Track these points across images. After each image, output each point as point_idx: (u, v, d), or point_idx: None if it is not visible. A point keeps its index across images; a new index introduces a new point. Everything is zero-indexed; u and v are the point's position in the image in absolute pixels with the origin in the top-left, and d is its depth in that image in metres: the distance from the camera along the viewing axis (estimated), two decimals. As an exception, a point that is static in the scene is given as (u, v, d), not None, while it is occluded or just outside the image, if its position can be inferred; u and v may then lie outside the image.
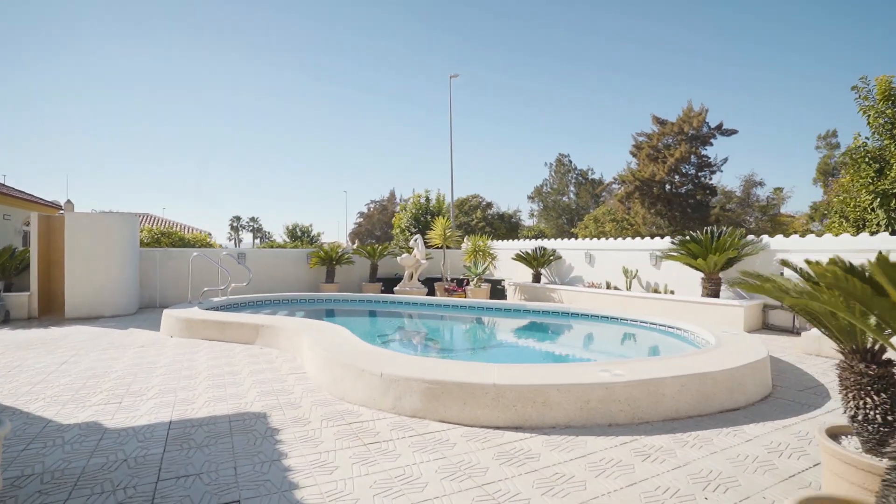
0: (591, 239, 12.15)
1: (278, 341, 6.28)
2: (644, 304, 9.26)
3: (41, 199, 18.10)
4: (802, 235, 8.77)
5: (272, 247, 21.08)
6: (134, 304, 10.02)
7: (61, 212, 16.88)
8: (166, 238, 12.98)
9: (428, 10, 57.60)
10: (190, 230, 21.62)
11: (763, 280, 2.93)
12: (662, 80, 56.19)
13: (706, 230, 8.90)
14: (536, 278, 12.38)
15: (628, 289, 10.39)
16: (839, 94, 48.94)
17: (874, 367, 2.42)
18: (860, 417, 2.40)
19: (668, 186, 32.51)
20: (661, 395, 3.88)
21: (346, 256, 12.60)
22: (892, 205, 8.31)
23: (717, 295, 8.61)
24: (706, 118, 32.03)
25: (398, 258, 11.99)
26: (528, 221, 49.52)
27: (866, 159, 8.89)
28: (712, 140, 32.26)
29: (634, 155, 35.32)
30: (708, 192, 32.28)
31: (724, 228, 8.81)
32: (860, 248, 7.29)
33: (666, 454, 3.19)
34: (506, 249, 14.08)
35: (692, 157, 31.82)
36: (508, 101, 69.15)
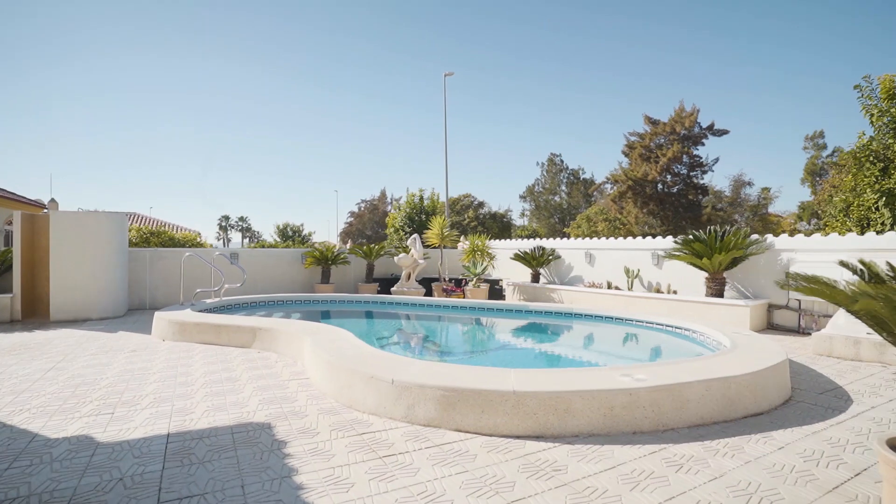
0: (590, 238, 12.02)
1: (277, 345, 6.03)
2: (647, 305, 9.15)
3: (24, 197, 17.55)
4: (792, 234, 8.69)
5: (263, 246, 20.70)
6: (123, 305, 9.67)
7: (45, 211, 16.38)
8: (156, 238, 12.61)
9: (418, 10, 57.33)
10: (180, 230, 21.17)
11: (815, 282, 2.75)
12: (654, 80, 56.55)
13: (710, 229, 8.80)
14: (535, 278, 12.23)
15: (630, 289, 10.27)
16: (827, 94, 49.56)
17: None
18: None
19: (660, 186, 32.64)
20: (685, 400, 3.72)
21: (342, 256, 12.34)
22: None
23: (721, 295, 8.51)
24: (698, 118, 32.22)
25: (395, 258, 11.76)
26: (518, 221, 49.51)
27: (871, 158, 8.85)
28: (704, 140, 32.47)
29: (626, 155, 35.41)
30: (699, 191, 32.47)
31: (728, 228, 8.72)
32: (867, 248, 7.23)
33: (699, 464, 3.02)
34: (504, 249, 13.91)
35: (684, 156, 31.98)
36: (499, 101, 69.16)
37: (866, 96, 8.98)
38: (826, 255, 7.62)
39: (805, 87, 49.65)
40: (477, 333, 8.60)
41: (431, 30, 61.46)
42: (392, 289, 11.64)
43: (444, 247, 13.03)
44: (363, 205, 57.72)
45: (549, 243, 12.70)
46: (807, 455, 3.17)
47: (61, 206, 21.19)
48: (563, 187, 48.28)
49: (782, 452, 3.21)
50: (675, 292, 9.56)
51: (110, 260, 9.29)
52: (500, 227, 43.55)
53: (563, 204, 47.79)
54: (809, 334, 7.64)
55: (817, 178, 42.31)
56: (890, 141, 8.65)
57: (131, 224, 17.55)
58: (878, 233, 8.62)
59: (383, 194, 58.16)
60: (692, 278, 9.34)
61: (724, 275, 8.65)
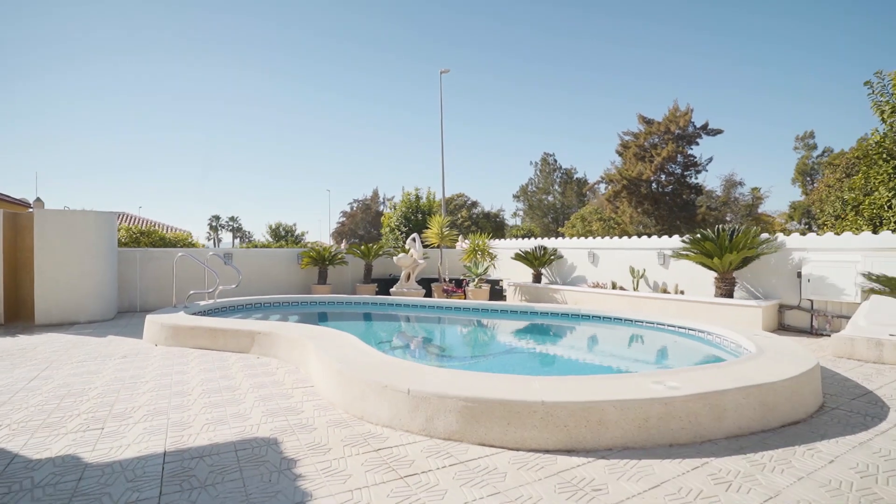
0: (593, 238, 11.81)
1: (277, 350, 5.72)
2: (655, 305, 8.94)
3: (8, 196, 16.99)
4: (787, 234, 8.50)
5: (257, 246, 20.27)
6: (112, 308, 9.27)
7: (31, 210, 15.85)
8: (146, 237, 12.18)
9: (410, 10, 56.99)
10: (170, 229, 20.67)
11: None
12: (646, 79, 56.70)
13: (718, 228, 8.61)
14: (537, 278, 12.00)
15: (636, 289, 10.07)
16: (818, 94, 50.03)
17: None
18: None
19: (654, 185, 32.63)
20: (722, 409, 3.48)
21: (340, 256, 12.01)
22: None
23: (730, 295, 8.33)
24: (692, 118, 32.25)
25: (394, 258, 11.46)
26: (510, 221, 49.39)
27: (883, 155, 8.72)
28: (698, 140, 32.51)
29: (621, 154, 35.40)
30: (693, 191, 32.51)
31: (736, 227, 8.54)
32: (883, 247, 7.07)
33: (749, 481, 2.78)
34: (505, 249, 13.67)
35: (678, 156, 31.99)
36: (491, 101, 69.00)
37: (878, 93, 8.85)
38: (840, 254, 7.44)
39: (795, 86, 50.11)
40: (483, 336, 8.33)
41: (423, 30, 61.21)
42: (391, 290, 11.34)
43: (444, 246, 12.76)
44: (355, 204, 57.26)
45: (550, 243, 12.47)
46: (861, 469, 2.94)
47: (48, 206, 20.61)
48: (557, 187, 48.24)
49: (834, 467, 2.98)
50: (682, 292, 9.37)
51: (98, 260, 8.90)
52: (493, 226, 43.39)
53: (557, 203, 47.73)
54: (822, 335, 7.49)
55: (808, 178, 42.69)
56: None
57: (120, 223, 17.05)
58: (893, 231, 8.46)
59: (375, 194, 57.77)
60: (700, 278, 9.15)
61: (734, 275, 8.46)
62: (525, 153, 78.93)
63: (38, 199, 21.84)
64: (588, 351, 7.20)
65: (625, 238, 10.99)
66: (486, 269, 11.41)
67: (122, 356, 5.82)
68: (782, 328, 8.01)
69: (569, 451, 3.19)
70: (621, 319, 7.87)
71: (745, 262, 8.23)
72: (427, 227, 16.38)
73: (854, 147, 30.15)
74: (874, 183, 9.05)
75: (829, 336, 7.29)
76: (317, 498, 2.54)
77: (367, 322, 9.28)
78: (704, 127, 32.26)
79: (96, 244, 8.88)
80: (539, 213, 47.71)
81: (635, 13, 51.86)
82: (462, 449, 3.21)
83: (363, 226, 54.63)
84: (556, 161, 49.05)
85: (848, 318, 7.27)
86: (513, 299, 11.94)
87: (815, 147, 43.29)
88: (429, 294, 11.84)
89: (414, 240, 11.51)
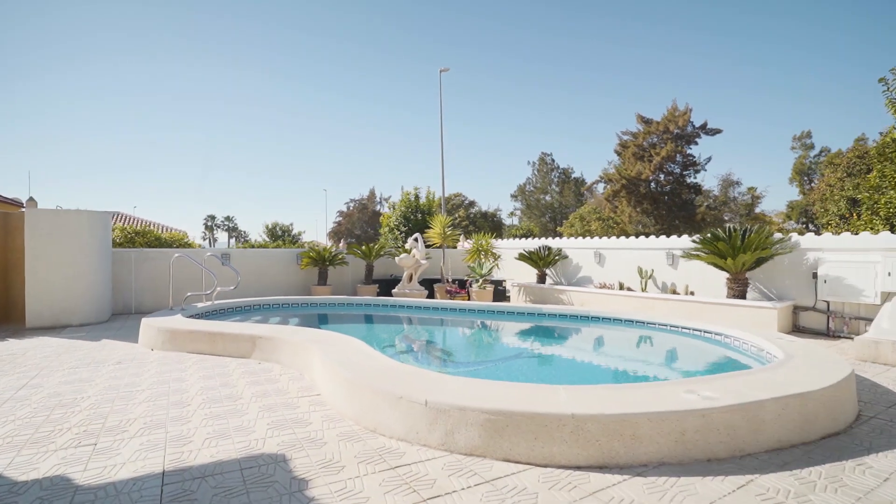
0: (599, 237, 11.60)
1: (280, 355, 5.46)
2: (665, 307, 8.73)
3: (-2, 195, 16.62)
4: (786, 234, 8.28)
5: (253, 246, 19.96)
6: (106, 310, 8.97)
7: (23, 209, 15.48)
8: (141, 237, 11.87)
9: (407, 10, 56.71)
10: (166, 229, 20.32)
11: None
12: (643, 79, 56.63)
13: (729, 228, 8.41)
14: (541, 279, 11.77)
15: (644, 290, 9.85)
16: (814, 94, 50.11)
17: None
18: None
19: (653, 185, 32.50)
20: (761, 420, 3.26)
21: (340, 257, 11.74)
22: None
23: (743, 296, 8.12)
24: (691, 117, 32.13)
25: (396, 258, 11.20)
26: (507, 220, 49.20)
27: (899, 154, 8.55)
28: (697, 139, 32.41)
29: (619, 154, 35.25)
30: (692, 191, 32.40)
31: (749, 226, 8.34)
32: (903, 247, 6.88)
33: (803, 503, 2.55)
34: (508, 249, 13.43)
35: (677, 155, 31.87)
36: (489, 101, 68.78)
37: (893, 90, 8.67)
38: (858, 254, 7.24)
39: (794, 86, 50.15)
40: (493, 339, 8.08)
41: (421, 30, 60.98)
42: (393, 291, 11.08)
43: (446, 246, 12.52)
44: (352, 204, 56.90)
45: (555, 243, 12.26)
46: (920, 488, 2.72)
47: (44, 206, 20.23)
48: (555, 186, 48.08)
49: (891, 486, 2.76)
50: (692, 293, 9.17)
51: (92, 261, 8.60)
52: (491, 226, 43.19)
53: (555, 203, 47.58)
54: (840, 337, 7.30)
55: (805, 178, 42.69)
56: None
57: (115, 223, 16.71)
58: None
59: (372, 193, 57.43)
60: (711, 279, 8.95)
61: (746, 275, 8.26)
62: (523, 153, 78.82)
63: (30, 199, 21.41)
64: (604, 355, 6.95)
65: (632, 238, 10.79)
66: (491, 269, 11.17)
67: (117, 362, 5.54)
68: (797, 330, 7.82)
69: (601, 468, 2.96)
70: (633, 321, 7.64)
71: (759, 262, 8.04)
72: (428, 227, 16.14)
73: (851, 147, 30.16)
74: (890, 182, 8.86)
75: (847, 338, 7.13)
76: (334, 526, 2.29)
77: (371, 324, 9.02)
78: (703, 126, 32.16)
79: (90, 244, 8.58)
80: (537, 213, 47.55)
81: (635, 13, 51.83)
82: (486, 466, 2.97)
83: (360, 225, 54.31)
84: (553, 161, 48.90)
85: (867, 320, 7.08)
86: (517, 300, 11.71)
87: (812, 147, 43.28)
88: (431, 295, 11.59)
89: (416, 239, 11.26)
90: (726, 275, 8.44)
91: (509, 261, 13.29)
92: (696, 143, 32.31)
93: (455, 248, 14.01)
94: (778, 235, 8.18)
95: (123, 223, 19.77)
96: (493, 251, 11.80)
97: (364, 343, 4.96)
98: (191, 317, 7.43)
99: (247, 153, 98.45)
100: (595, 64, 58.83)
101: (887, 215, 8.92)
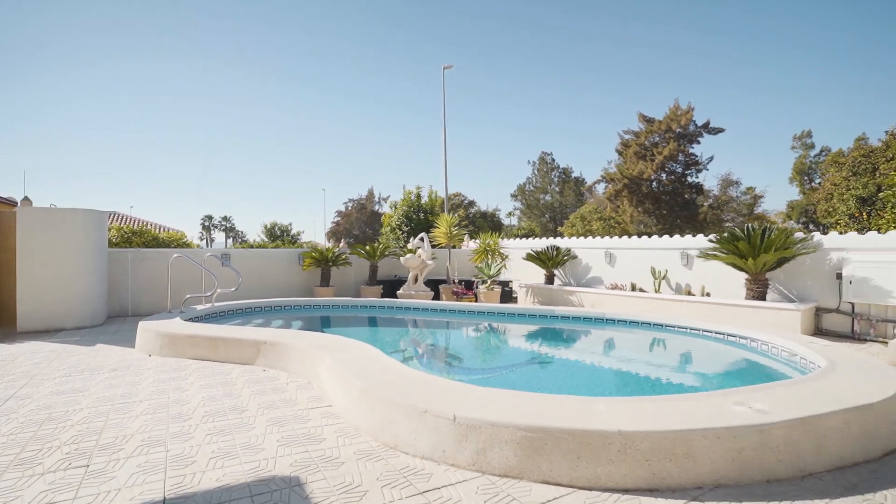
0: (610, 237, 11.32)
1: (286, 362, 5.14)
2: (681, 308, 8.44)
3: (-9, 194, 16.22)
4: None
5: (252, 247, 19.61)
6: (102, 313, 8.63)
7: (16, 208, 15.10)
8: (138, 237, 11.52)
9: (406, 10, 56.41)
10: (163, 229, 19.95)
11: None
12: (646, 80, 56.46)
13: (748, 227, 8.13)
14: (550, 279, 11.48)
15: (657, 290, 9.57)
16: (814, 93, 50.01)
17: None
18: None
19: (655, 185, 32.27)
20: (822, 436, 2.97)
21: (344, 257, 11.42)
22: None
23: (763, 297, 7.85)
24: (693, 116, 31.91)
25: (401, 259, 10.89)
26: (505, 220, 48.91)
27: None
28: (699, 138, 32.19)
29: (621, 153, 35.01)
30: (694, 190, 32.18)
31: (768, 225, 8.07)
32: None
33: (888, 534, 2.26)
34: (515, 249, 13.13)
35: (679, 155, 31.64)
36: (488, 100, 68.50)
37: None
38: (886, 254, 6.97)
39: (794, 86, 50.04)
40: (509, 344, 7.74)
41: (420, 30, 60.65)
42: (398, 292, 10.77)
43: (451, 246, 12.22)
44: (351, 204, 56.55)
45: (563, 242, 11.97)
46: None
47: (37, 205, 19.83)
48: (555, 186, 47.83)
49: (980, 511, 2.47)
50: (708, 295, 8.88)
51: (87, 261, 8.26)
52: (490, 225, 42.88)
53: (555, 203, 47.33)
54: (866, 340, 7.03)
55: (806, 178, 42.54)
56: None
57: (111, 223, 16.36)
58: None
59: (371, 193, 57.11)
60: (728, 280, 8.66)
61: (766, 276, 7.98)
62: (523, 153, 78.61)
63: (25, 198, 21.00)
64: (628, 361, 6.58)
65: (644, 237, 10.52)
66: (499, 269, 10.87)
67: (112, 369, 5.21)
68: (819, 333, 7.55)
69: (652, 491, 2.66)
70: (650, 324, 7.36)
71: (779, 262, 7.77)
72: (431, 227, 15.84)
73: (853, 146, 29.99)
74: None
75: (875, 342, 6.86)
76: (363, 568, 1.99)
77: (379, 328, 8.70)
78: (706, 125, 31.94)
79: (84, 244, 8.24)
80: (537, 213, 47.29)
81: (634, 13, 51.62)
82: (523, 489, 2.67)
83: (358, 225, 53.97)
84: (554, 160, 48.67)
85: (895, 322, 6.81)
86: (524, 301, 11.41)
87: (812, 146, 43.13)
88: (437, 296, 11.29)
89: (422, 239, 10.95)
90: (744, 275, 8.17)
91: (516, 261, 12.99)
92: (699, 143, 32.09)
93: (459, 247, 13.70)
94: (799, 235, 7.91)
95: (120, 223, 19.40)
96: (501, 251, 11.49)
97: (377, 350, 4.65)
98: (190, 320, 7.11)
99: (245, 153, 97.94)
100: (595, 64, 58.67)
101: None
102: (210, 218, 70.42)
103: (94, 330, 7.89)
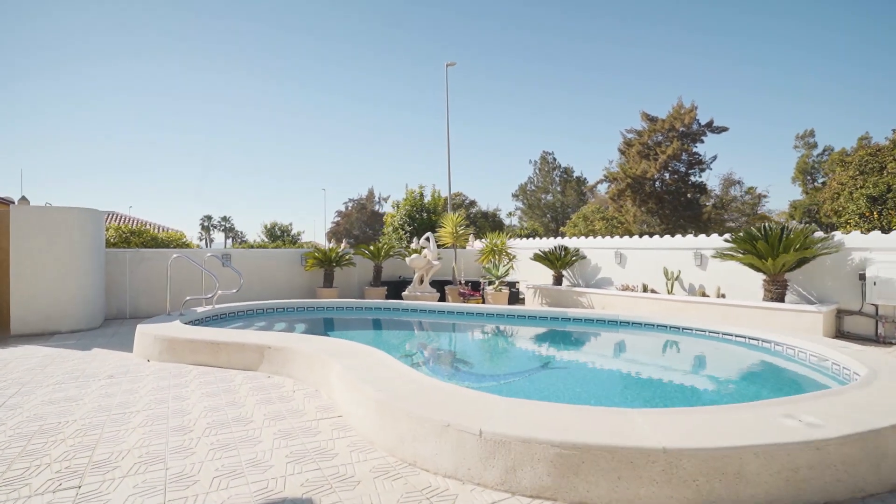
0: (620, 237, 11.08)
1: (292, 368, 4.89)
2: (696, 310, 8.19)
3: (-13, 194, 15.96)
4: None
5: (253, 247, 19.35)
6: (99, 315, 8.38)
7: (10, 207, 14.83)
8: (137, 237, 11.27)
9: (408, 11, 56.21)
10: (162, 229, 19.69)
11: None
12: (647, 80, 56.25)
13: (764, 226, 7.89)
14: (558, 280, 11.24)
15: (670, 292, 9.32)
16: (820, 93, 49.81)
17: None
18: None
19: (658, 184, 32.03)
20: (882, 453, 2.72)
21: (348, 257, 11.17)
22: None
23: (782, 299, 7.60)
24: (697, 115, 31.68)
25: (407, 259, 10.64)
26: (506, 220, 48.67)
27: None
28: (703, 137, 31.95)
29: (623, 152, 34.75)
30: (697, 190, 31.94)
31: (787, 225, 7.84)
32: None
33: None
34: (522, 249, 12.88)
35: (683, 154, 31.41)
36: (488, 101, 68.22)
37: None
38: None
39: (794, 86, 49.85)
40: (523, 348, 7.46)
41: (420, 30, 60.41)
42: (404, 293, 10.52)
43: (458, 247, 11.97)
44: (351, 204, 56.27)
45: (572, 242, 11.73)
46: None
47: (34, 205, 19.57)
48: (557, 186, 47.58)
49: None
50: (723, 296, 8.64)
51: (83, 262, 8.00)
52: (492, 225, 42.62)
53: (557, 203, 47.09)
54: (892, 344, 6.79)
55: (808, 177, 42.30)
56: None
57: (109, 223, 16.09)
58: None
59: (371, 193, 56.83)
60: (744, 281, 8.42)
61: (785, 277, 7.74)
62: (523, 153, 78.17)
63: (23, 198, 20.75)
64: (652, 366, 6.23)
65: (656, 237, 10.28)
66: (508, 270, 10.63)
67: (109, 376, 4.96)
68: (841, 335, 7.31)
69: (700, 515, 2.42)
70: (667, 327, 7.12)
71: (799, 263, 7.52)
72: (435, 226, 15.59)
73: (856, 146, 29.74)
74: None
75: (903, 345, 6.62)
76: None
77: (386, 330, 8.44)
78: (709, 124, 31.70)
79: (81, 243, 7.99)
80: (538, 213, 47.04)
81: (634, 13, 51.38)
82: (560, 513, 2.42)
83: (358, 225, 53.70)
84: (555, 160, 48.44)
85: (922, 324, 6.57)
86: (532, 303, 11.17)
87: (815, 145, 42.92)
88: (443, 297, 11.04)
89: (428, 239, 10.70)
90: (762, 276, 7.92)
91: (522, 262, 12.75)
92: (703, 142, 31.85)
93: (464, 247, 13.44)
94: (819, 234, 7.66)
95: (118, 222, 19.13)
96: (509, 251, 11.25)
97: (388, 356, 4.40)
98: (190, 323, 6.86)
99: (245, 153, 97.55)
100: (595, 64, 58.40)
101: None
102: (209, 218, 70.11)
103: (90, 333, 7.64)
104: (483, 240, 12.36)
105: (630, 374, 5.86)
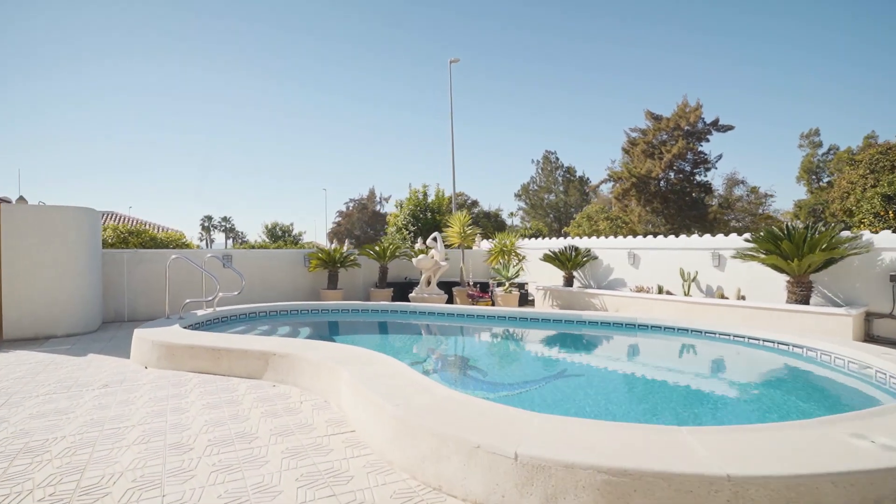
0: (633, 237, 10.78)
1: (298, 377, 4.59)
2: (716, 313, 7.88)
3: (-16, 193, 15.68)
4: None
5: (254, 247, 19.03)
6: (95, 318, 8.08)
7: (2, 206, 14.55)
8: (135, 238, 10.97)
9: (408, 12, 55.92)
10: (161, 229, 19.40)
11: None
12: (648, 80, 55.94)
13: (787, 225, 7.59)
14: (569, 281, 10.93)
15: (687, 293, 9.01)
16: (820, 93, 49.45)
17: None
18: None
19: (663, 184, 31.71)
20: (968, 479, 2.41)
21: (352, 258, 10.86)
22: None
23: (806, 301, 7.29)
24: (702, 114, 31.36)
25: (413, 260, 10.35)
26: (507, 220, 48.36)
27: None
28: (708, 136, 31.63)
29: (627, 151, 34.43)
30: (702, 189, 31.61)
31: (810, 223, 7.53)
32: None
33: None
34: (531, 249, 12.57)
35: (688, 153, 31.09)
36: (489, 101, 67.88)
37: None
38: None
39: (795, 86, 49.50)
40: (541, 354, 7.11)
41: (420, 30, 60.09)
42: (411, 295, 10.22)
43: (465, 247, 11.66)
44: (352, 204, 55.97)
45: (583, 242, 11.42)
46: None
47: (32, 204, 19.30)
48: (559, 185, 47.27)
49: None
50: (743, 298, 8.33)
51: (79, 263, 7.71)
52: (494, 226, 42.30)
53: (559, 203, 46.77)
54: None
55: (813, 177, 41.92)
56: None
57: (107, 222, 15.79)
58: None
59: (372, 193, 56.49)
60: (765, 282, 8.11)
61: (810, 278, 7.43)
62: (524, 153, 78.02)
63: (21, 198, 20.51)
64: (678, 373, 5.83)
65: (671, 237, 9.97)
66: (518, 271, 10.32)
67: (103, 385, 4.66)
68: (870, 339, 7.00)
69: (772, 554, 2.11)
70: (687, 330, 6.81)
71: (826, 264, 7.21)
72: (440, 226, 15.29)
73: (862, 145, 29.38)
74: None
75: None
76: None
77: (395, 334, 8.12)
78: (715, 123, 31.40)
79: (76, 244, 7.69)
80: (541, 213, 46.73)
81: (635, 13, 51.04)
82: (611, 551, 2.11)
83: (359, 226, 53.38)
84: (557, 159, 48.14)
85: (959, 328, 6.26)
86: (542, 305, 10.86)
87: (820, 145, 42.54)
88: (450, 299, 10.73)
89: (435, 239, 10.40)
90: (785, 278, 7.61)
91: (531, 262, 12.44)
92: (708, 140, 31.53)
93: (471, 248, 13.14)
94: (846, 233, 7.35)
95: (116, 222, 18.84)
96: (518, 252, 10.94)
97: (403, 364, 4.10)
98: (190, 326, 6.57)
99: (245, 153, 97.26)
100: (595, 64, 58.06)
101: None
102: (210, 218, 69.83)
103: (86, 337, 7.34)
104: (491, 240, 12.05)
105: (656, 381, 5.54)
